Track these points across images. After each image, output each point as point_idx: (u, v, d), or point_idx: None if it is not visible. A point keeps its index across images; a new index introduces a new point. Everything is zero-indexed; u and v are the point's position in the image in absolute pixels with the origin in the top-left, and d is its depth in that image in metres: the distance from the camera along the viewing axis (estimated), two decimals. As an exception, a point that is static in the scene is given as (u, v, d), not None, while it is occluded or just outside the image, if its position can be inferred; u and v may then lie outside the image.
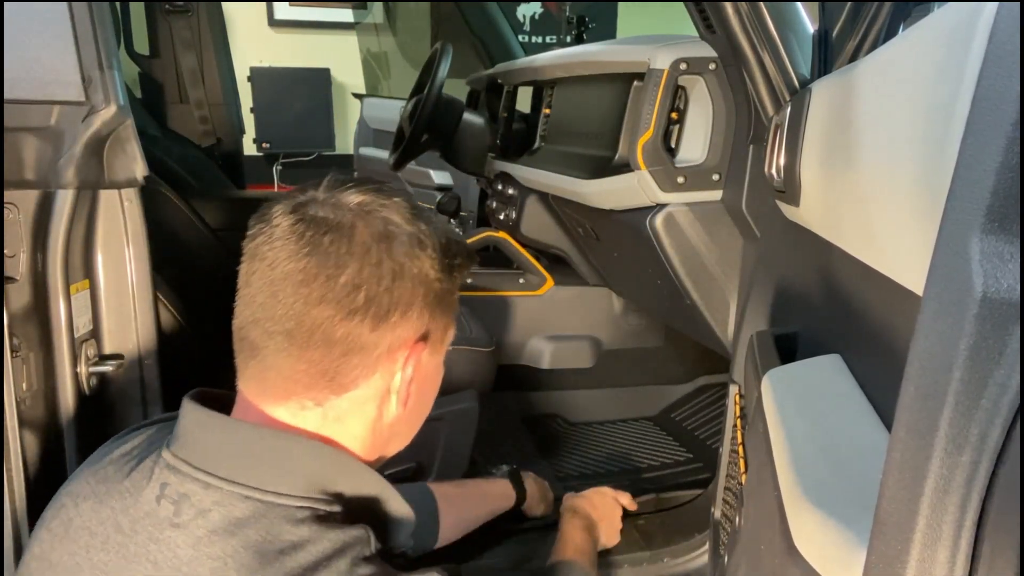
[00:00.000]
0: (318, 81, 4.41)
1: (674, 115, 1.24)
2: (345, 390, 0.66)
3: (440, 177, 2.66)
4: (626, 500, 1.40)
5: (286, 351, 0.64)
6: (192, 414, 0.67)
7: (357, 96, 3.57)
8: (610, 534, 1.33)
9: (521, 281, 1.86)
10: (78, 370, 1.12)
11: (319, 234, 0.63)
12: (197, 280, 1.79)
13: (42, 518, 0.70)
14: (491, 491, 1.35)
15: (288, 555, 0.60)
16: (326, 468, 0.65)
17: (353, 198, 0.65)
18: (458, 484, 1.32)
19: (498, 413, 1.88)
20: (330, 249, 0.62)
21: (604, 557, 1.32)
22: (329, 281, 0.62)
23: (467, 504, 1.27)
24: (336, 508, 0.64)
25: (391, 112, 2.84)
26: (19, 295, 1.04)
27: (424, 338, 0.69)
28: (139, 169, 1.13)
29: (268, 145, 4.33)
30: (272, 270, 0.63)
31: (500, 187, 1.99)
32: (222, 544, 0.60)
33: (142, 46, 2.55)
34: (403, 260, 0.65)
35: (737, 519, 0.83)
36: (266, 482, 0.62)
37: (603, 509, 1.33)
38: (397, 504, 0.69)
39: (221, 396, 0.71)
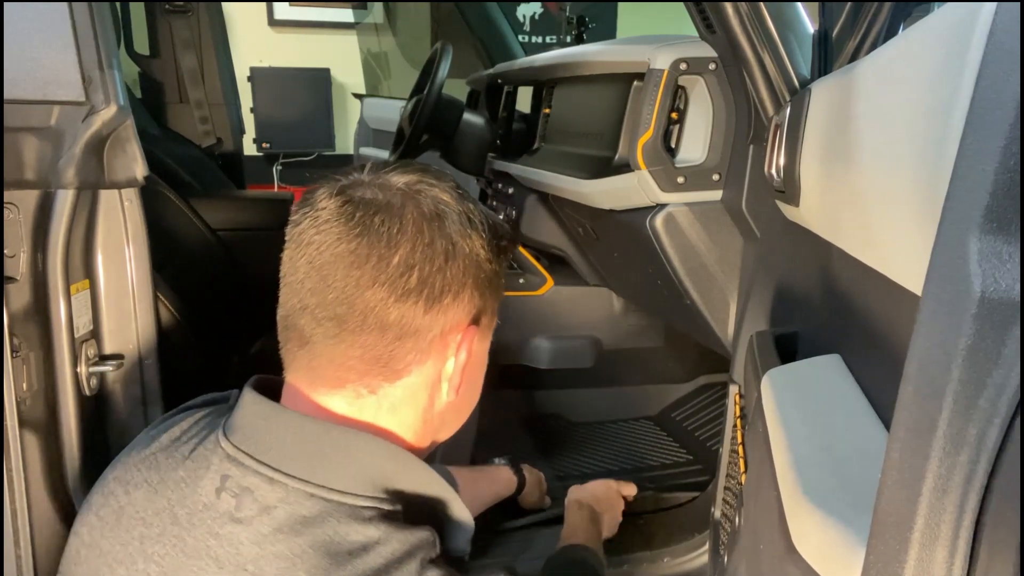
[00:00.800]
0: (318, 81, 4.41)
1: (674, 115, 1.24)
2: (398, 377, 0.65)
3: (440, 177, 2.65)
4: (629, 490, 1.42)
5: (337, 337, 0.62)
6: (254, 405, 0.65)
7: (357, 96, 3.57)
8: (611, 526, 1.34)
9: (521, 281, 1.86)
10: (78, 370, 1.12)
11: (369, 214, 0.61)
12: (197, 280, 1.80)
13: (88, 503, 0.68)
14: (497, 476, 1.38)
15: (358, 556, 0.58)
16: (388, 466, 0.63)
17: (400, 179, 0.64)
18: (469, 469, 1.35)
19: (498, 413, 1.88)
20: (381, 229, 0.61)
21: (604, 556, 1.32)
22: (381, 262, 0.60)
23: (478, 487, 1.30)
24: (398, 507, 0.62)
25: (391, 112, 2.84)
26: (19, 295, 1.04)
27: (476, 321, 0.67)
28: (139, 169, 1.13)
29: (268, 145, 4.33)
30: (320, 254, 0.61)
31: (500, 187, 1.99)
32: (288, 543, 0.58)
33: (142, 46, 2.55)
34: (456, 239, 0.63)
35: (737, 519, 0.83)
36: (331, 479, 0.60)
37: (606, 502, 1.34)
38: (458, 508, 0.68)
39: (276, 384, 0.69)
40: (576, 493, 1.34)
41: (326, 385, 0.65)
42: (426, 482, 0.66)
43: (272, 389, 0.68)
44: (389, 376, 0.64)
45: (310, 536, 0.58)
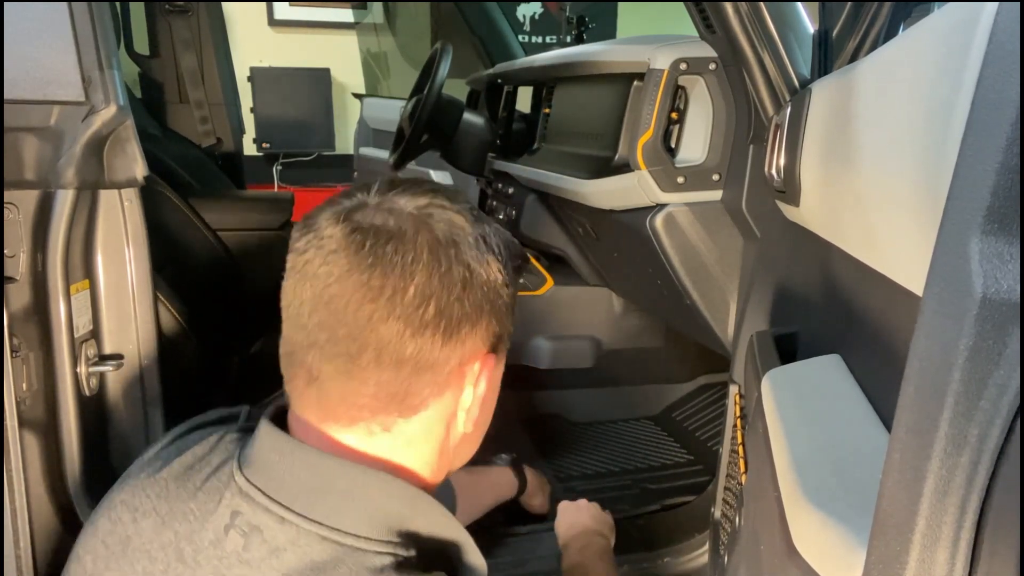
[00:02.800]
0: (318, 81, 4.40)
1: (674, 115, 1.24)
2: (414, 412, 0.61)
3: (440, 177, 2.66)
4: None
5: (348, 373, 0.59)
6: (269, 438, 0.62)
7: (357, 96, 3.57)
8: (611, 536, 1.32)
9: (521, 281, 1.86)
10: (78, 370, 1.12)
11: (380, 243, 0.57)
12: (197, 280, 1.79)
13: (94, 525, 0.65)
14: (498, 479, 1.37)
15: None
16: (405, 509, 0.61)
17: (410, 202, 0.60)
18: (468, 471, 1.28)
19: (498, 413, 1.87)
20: (395, 259, 0.57)
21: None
22: (396, 294, 0.57)
23: (479, 491, 1.29)
24: (412, 552, 0.59)
25: (391, 112, 2.84)
26: (19, 295, 1.04)
27: (493, 349, 0.64)
28: (139, 169, 1.13)
29: (268, 145, 4.33)
30: (328, 287, 0.57)
31: (500, 187, 1.99)
32: None
33: (142, 46, 2.55)
34: (473, 265, 0.60)
35: (737, 519, 0.83)
36: (344, 522, 0.58)
37: (596, 526, 1.27)
38: (473, 553, 0.65)
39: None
40: (566, 533, 1.23)
41: (338, 422, 0.61)
42: (441, 525, 0.63)
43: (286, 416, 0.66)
44: (404, 412, 0.61)
45: None
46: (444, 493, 1.16)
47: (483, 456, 1.53)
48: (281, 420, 0.64)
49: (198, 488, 0.62)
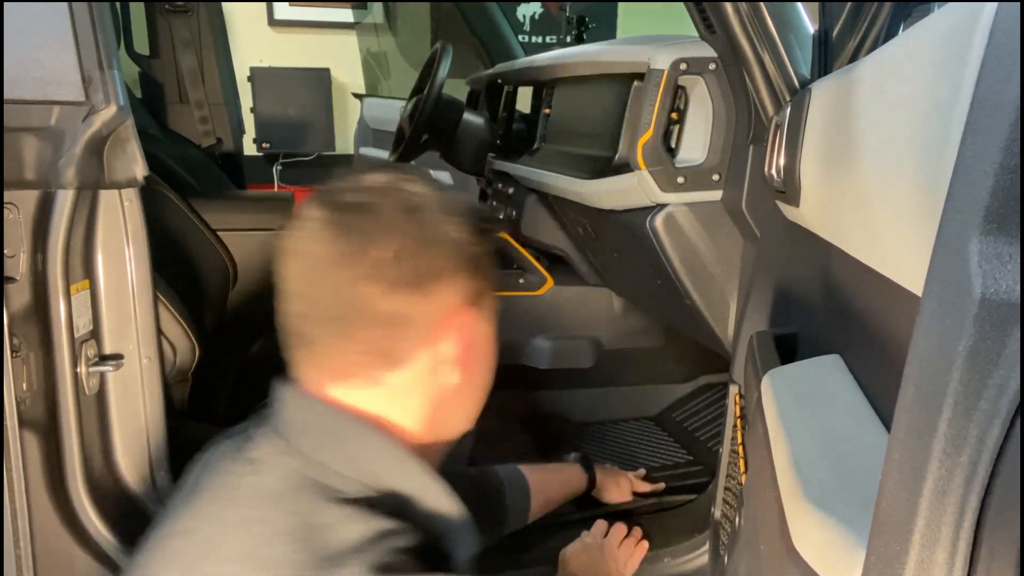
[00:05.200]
0: (318, 81, 4.41)
1: (674, 115, 1.23)
2: (400, 364, 0.68)
3: (440, 177, 2.66)
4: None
5: (338, 334, 0.66)
6: (279, 390, 0.71)
7: (357, 96, 3.57)
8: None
9: (521, 281, 1.86)
10: (78, 370, 1.12)
11: (352, 215, 0.65)
12: (197, 280, 1.79)
13: (182, 479, 0.77)
14: (570, 475, 1.39)
15: (327, 531, 0.62)
16: (380, 458, 0.67)
17: (375, 179, 0.68)
18: (542, 468, 1.35)
19: (498, 413, 1.87)
20: (362, 227, 0.64)
21: None
22: (364, 258, 0.64)
23: (551, 487, 1.32)
24: (383, 498, 0.66)
25: (391, 112, 2.84)
26: (19, 295, 1.04)
27: (471, 303, 0.70)
28: (139, 169, 1.13)
29: (268, 145, 4.33)
30: (306, 261, 0.66)
31: (500, 187, 1.99)
32: (272, 505, 0.63)
33: (142, 46, 2.54)
34: (437, 226, 0.67)
35: (737, 519, 0.83)
36: (327, 459, 0.65)
37: (602, 566, 1.27)
38: (439, 500, 0.69)
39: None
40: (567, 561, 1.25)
41: (332, 378, 0.69)
42: (411, 478, 0.69)
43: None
44: (390, 364, 0.68)
45: (293, 502, 0.63)
46: (519, 484, 1.23)
47: (551, 457, 1.53)
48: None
49: (248, 438, 0.72)
